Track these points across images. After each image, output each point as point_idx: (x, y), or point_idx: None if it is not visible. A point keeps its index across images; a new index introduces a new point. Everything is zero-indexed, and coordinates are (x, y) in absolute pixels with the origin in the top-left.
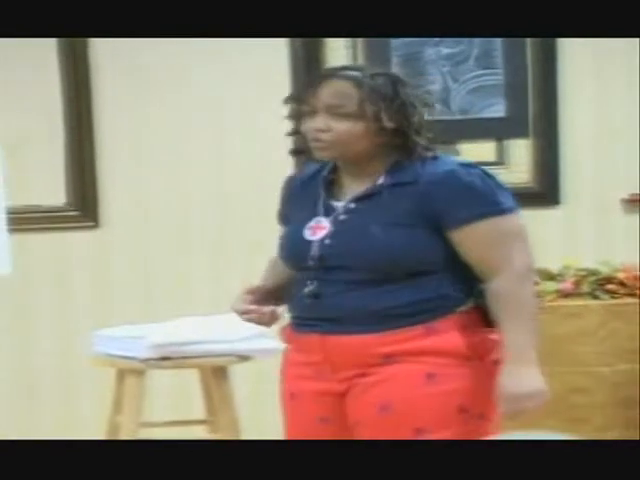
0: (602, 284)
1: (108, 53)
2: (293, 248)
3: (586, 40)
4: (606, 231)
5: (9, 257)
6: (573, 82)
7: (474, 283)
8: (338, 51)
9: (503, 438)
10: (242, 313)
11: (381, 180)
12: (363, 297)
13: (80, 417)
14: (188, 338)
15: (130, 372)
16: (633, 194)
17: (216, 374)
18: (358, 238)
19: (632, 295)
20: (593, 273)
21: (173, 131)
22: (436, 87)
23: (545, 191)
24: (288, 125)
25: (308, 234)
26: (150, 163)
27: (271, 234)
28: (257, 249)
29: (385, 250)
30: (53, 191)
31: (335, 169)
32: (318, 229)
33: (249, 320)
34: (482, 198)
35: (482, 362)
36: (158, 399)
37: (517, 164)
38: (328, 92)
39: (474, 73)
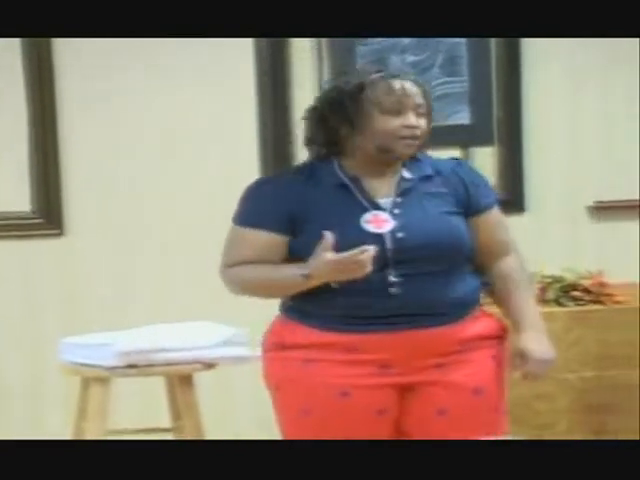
0: (567, 291)
1: (73, 57)
2: (357, 243)
3: (550, 47)
4: (571, 238)
5: None
6: (537, 89)
7: None
8: (303, 52)
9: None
10: (354, 257)
11: (407, 174)
12: (440, 288)
13: (47, 425)
14: (154, 346)
15: (95, 380)
16: (598, 201)
17: (181, 382)
18: (430, 228)
19: (597, 302)
20: (558, 280)
21: (139, 137)
22: None
23: (510, 198)
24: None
25: (371, 227)
26: (115, 170)
27: None
28: None
29: (457, 237)
30: (18, 199)
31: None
32: (381, 222)
33: (363, 264)
34: (490, 186)
35: (505, 341)
36: (124, 406)
37: (482, 171)
38: (413, 92)
39: (439, 80)
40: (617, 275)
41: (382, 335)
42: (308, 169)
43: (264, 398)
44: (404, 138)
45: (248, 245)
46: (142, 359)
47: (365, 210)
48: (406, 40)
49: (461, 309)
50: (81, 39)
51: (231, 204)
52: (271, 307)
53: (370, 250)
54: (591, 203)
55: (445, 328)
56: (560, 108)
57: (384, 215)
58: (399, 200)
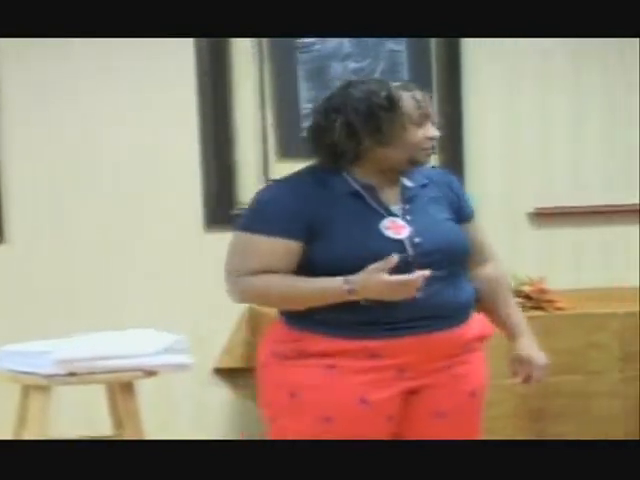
0: None
1: (13, 64)
2: (379, 249)
3: (491, 56)
4: (512, 244)
5: None
6: (478, 98)
7: None
8: (244, 52)
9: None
10: (410, 281)
11: (408, 183)
12: (450, 291)
13: None
14: (94, 353)
15: (35, 388)
16: (539, 208)
17: (122, 389)
18: (441, 233)
19: (538, 308)
20: None
21: (79, 143)
22: None
23: None
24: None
25: (391, 233)
26: (55, 178)
27: (184, 247)
28: (167, 261)
29: (462, 241)
30: None
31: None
32: (399, 228)
33: (415, 289)
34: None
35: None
36: (65, 415)
37: None
38: (430, 103)
39: None
40: (558, 281)
41: (403, 340)
42: (316, 176)
43: (204, 405)
44: (426, 149)
45: (262, 253)
46: (82, 367)
47: (382, 217)
48: (347, 47)
49: (465, 311)
50: (26, 52)
51: (167, 211)
52: None
53: (426, 273)
54: (531, 210)
55: (454, 331)
56: (499, 116)
57: (400, 221)
58: (407, 207)
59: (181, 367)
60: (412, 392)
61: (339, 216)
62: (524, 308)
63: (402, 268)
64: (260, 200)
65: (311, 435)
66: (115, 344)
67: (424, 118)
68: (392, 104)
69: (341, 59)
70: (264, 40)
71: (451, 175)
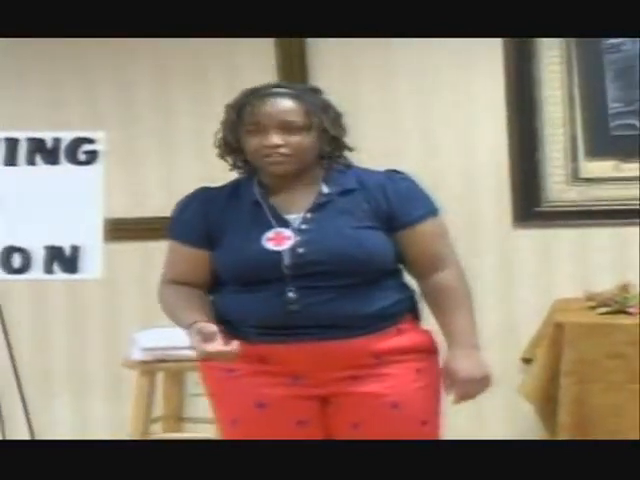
0: None
1: None
2: (255, 261)
3: None
4: None
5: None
6: None
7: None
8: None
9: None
10: (220, 353)
11: (325, 189)
12: (348, 301)
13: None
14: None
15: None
16: None
17: None
18: (334, 242)
19: None
20: None
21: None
22: None
23: None
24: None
25: (271, 245)
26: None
27: (493, 243)
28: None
29: (366, 251)
30: None
31: (260, 184)
32: (282, 239)
33: (229, 359)
34: (426, 198)
35: (437, 355)
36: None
37: None
38: (278, 110)
39: None
40: None
41: (289, 346)
42: (233, 185)
43: None
44: (268, 156)
45: (178, 259)
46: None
47: (269, 227)
48: None
49: (375, 322)
50: None
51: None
52: None
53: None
54: None
55: (356, 340)
56: None
57: (287, 232)
58: (309, 216)
59: None
60: (324, 401)
61: (234, 225)
62: None
63: (278, 280)
64: (175, 207)
65: (228, 437)
66: None
67: (258, 126)
68: (229, 114)
69: None
70: (572, 42)
71: (396, 178)
